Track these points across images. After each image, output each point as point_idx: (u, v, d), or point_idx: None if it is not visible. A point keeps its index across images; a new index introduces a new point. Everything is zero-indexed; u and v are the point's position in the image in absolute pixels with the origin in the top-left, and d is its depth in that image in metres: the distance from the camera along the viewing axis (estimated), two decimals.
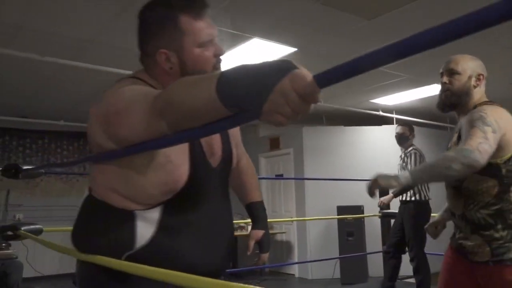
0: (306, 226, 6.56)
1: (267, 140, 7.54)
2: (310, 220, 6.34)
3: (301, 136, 6.86)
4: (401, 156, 4.64)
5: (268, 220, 1.57)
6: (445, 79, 1.84)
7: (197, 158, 1.13)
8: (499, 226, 1.65)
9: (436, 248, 6.04)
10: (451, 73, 1.82)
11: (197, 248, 1.14)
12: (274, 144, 7.41)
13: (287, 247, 7.07)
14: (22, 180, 6.61)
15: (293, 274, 6.78)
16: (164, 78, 1.14)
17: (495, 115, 1.66)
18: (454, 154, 1.55)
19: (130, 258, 1.07)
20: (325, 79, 0.59)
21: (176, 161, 1.08)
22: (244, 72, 0.73)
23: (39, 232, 2.34)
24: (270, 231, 6.83)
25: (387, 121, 6.75)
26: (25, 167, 2.38)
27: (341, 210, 6.02)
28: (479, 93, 1.79)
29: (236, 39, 3.78)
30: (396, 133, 4.62)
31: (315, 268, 6.40)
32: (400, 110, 6.62)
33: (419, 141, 6.68)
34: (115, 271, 1.03)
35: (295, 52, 4.07)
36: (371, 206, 5.38)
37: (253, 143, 7.72)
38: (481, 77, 1.81)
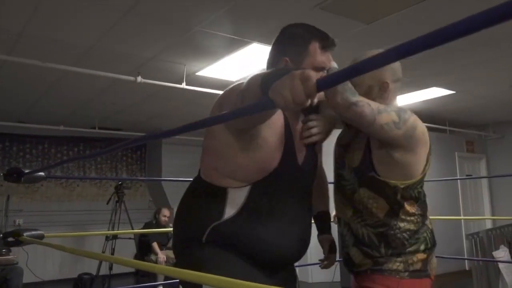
0: None
1: None
2: None
3: None
4: None
5: None
6: None
7: (289, 149, 1.32)
8: (382, 247, 1.52)
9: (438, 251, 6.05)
10: None
11: (273, 229, 1.29)
12: None
13: None
14: (22, 185, 6.63)
15: None
16: None
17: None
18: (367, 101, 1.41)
19: (215, 229, 1.26)
20: (324, 82, 0.73)
21: (273, 145, 1.28)
22: (282, 68, 0.94)
23: (40, 238, 2.34)
24: None
25: None
26: (27, 171, 2.39)
27: None
28: (387, 101, 1.56)
29: (236, 44, 3.80)
30: None
31: (315, 272, 6.40)
32: None
33: None
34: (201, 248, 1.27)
35: None
36: None
37: None
38: (386, 85, 1.56)
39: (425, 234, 1.58)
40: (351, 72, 0.64)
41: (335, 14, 3.31)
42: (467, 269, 6.84)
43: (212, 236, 1.26)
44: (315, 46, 1.36)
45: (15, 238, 2.23)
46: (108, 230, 6.37)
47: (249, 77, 1.06)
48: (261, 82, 0.92)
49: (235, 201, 1.27)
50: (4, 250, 4.71)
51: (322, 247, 1.70)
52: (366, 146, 1.54)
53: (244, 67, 4.35)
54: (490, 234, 5.39)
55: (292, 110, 0.89)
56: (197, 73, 4.54)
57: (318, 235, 1.71)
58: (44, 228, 2.41)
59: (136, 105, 5.92)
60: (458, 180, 7.20)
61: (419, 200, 1.56)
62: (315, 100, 0.77)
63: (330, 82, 0.72)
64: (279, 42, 1.41)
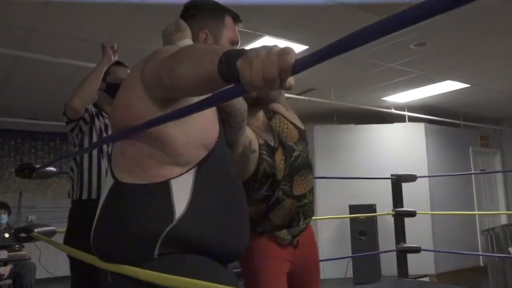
0: (318, 225, 6.52)
1: None
2: (322, 219, 6.30)
3: (312, 135, 6.82)
4: None
5: None
6: None
7: (221, 121, 1.24)
8: None
9: (447, 246, 5.98)
10: None
11: (228, 208, 1.17)
12: None
13: None
14: (34, 182, 6.66)
15: None
16: None
17: None
18: None
19: (169, 235, 1.04)
20: (301, 63, 0.63)
21: (209, 118, 1.17)
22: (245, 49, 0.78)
23: (52, 233, 2.34)
24: None
25: (399, 118, 6.69)
26: (38, 166, 2.39)
27: (353, 209, 5.97)
28: None
29: (248, 37, 3.76)
30: None
31: (327, 268, 6.35)
32: (412, 107, 6.56)
33: (431, 139, 6.62)
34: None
35: (306, 49, 4.04)
36: (384, 205, 5.33)
37: None
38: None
39: None
40: (332, 50, 0.58)
41: (348, 6, 3.25)
42: (482, 265, 6.76)
43: (167, 246, 1.04)
44: (229, 19, 1.38)
45: (27, 234, 2.23)
46: None
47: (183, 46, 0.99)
48: (225, 53, 0.77)
49: (182, 192, 1.08)
50: (17, 246, 4.73)
51: None
52: None
53: None
54: (506, 230, 5.31)
55: (254, 91, 0.68)
56: None
57: None
58: (56, 224, 2.40)
59: None
60: (473, 175, 7.10)
61: None
62: (288, 83, 0.66)
63: (308, 62, 0.61)
64: (196, 15, 1.38)
